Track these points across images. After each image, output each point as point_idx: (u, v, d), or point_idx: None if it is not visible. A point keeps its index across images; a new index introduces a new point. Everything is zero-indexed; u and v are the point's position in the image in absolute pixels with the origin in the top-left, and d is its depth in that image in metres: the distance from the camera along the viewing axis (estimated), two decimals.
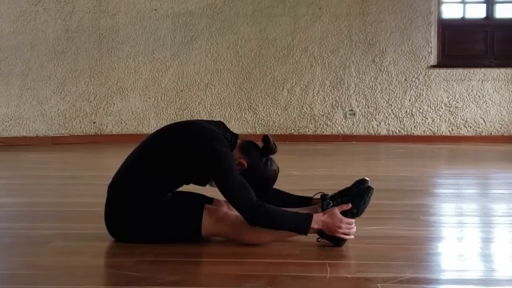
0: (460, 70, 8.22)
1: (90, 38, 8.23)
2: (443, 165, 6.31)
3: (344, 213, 2.49)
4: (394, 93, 8.25)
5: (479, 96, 8.20)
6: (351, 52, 8.25)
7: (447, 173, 5.40)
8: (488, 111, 8.19)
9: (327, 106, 8.28)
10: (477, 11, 8.39)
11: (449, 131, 8.23)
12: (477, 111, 8.20)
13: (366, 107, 8.26)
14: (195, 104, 8.33)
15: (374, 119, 8.27)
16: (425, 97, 8.23)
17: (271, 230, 2.46)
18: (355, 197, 2.55)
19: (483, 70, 8.20)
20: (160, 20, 8.31)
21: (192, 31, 8.31)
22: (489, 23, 8.32)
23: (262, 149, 2.61)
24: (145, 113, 8.33)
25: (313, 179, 4.69)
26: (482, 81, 8.20)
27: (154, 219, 2.49)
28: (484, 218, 3.31)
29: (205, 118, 8.12)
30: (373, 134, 8.26)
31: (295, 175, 4.80)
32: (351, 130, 8.28)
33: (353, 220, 2.50)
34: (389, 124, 8.26)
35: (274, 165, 2.64)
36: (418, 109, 8.23)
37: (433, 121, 8.24)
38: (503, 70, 8.19)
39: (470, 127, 8.20)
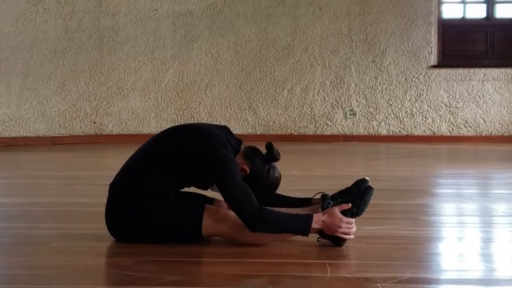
0: (460, 70, 8.22)
1: (90, 38, 8.23)
2: (443, 165, 6.30)
3: (344, 213, 2.50)
4: (394, 93, 8.25)
5: (479, 96, 8.19)
6: (351, 52, 8.25)
7: (447, 173, 5.39)
8: (488, 111, 8.19)
9: (327, 106, 8.28)
10: (477, 11, 8.39)
11: (449, 131, 8.22)
12: (477, 111, 8.20)
13: (366, 107, 8.26)
14: (195, 104, 8.32)
15: (374, 119, 8.26)
16: (425, 97, 8.23)
17: None
18: (355, 197, 2.55)
19: (483, 70, 8.20)
20: (160, 20, 8.31)
21: (192, 31, 8.31)
22: (489, 23, 8.31)
23: (265, 156, 2.62)
24: (145, 113, 8.33)
25: (313, 179, 4.69)
26: (483, 81, 8.19)
27: (155, 219, 2.49)
28: (484, 218, 3.31)
29: (205, 119, 8.21)
30: (373, 134, 8.26)
31: (295, 175, 4.80)
32: (351, 130, 8.28)
33: (353, 220, 2.50)
34: (389, 124, 8.26)
35: (277, 172, 2.64)
36: (418, 109, 8.23)
37: (433, 121, 8.24)
38: (503, 70, 8.18)
39: (471, 127, 8.20)
